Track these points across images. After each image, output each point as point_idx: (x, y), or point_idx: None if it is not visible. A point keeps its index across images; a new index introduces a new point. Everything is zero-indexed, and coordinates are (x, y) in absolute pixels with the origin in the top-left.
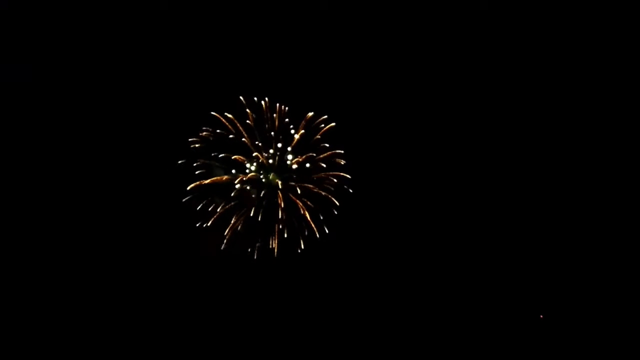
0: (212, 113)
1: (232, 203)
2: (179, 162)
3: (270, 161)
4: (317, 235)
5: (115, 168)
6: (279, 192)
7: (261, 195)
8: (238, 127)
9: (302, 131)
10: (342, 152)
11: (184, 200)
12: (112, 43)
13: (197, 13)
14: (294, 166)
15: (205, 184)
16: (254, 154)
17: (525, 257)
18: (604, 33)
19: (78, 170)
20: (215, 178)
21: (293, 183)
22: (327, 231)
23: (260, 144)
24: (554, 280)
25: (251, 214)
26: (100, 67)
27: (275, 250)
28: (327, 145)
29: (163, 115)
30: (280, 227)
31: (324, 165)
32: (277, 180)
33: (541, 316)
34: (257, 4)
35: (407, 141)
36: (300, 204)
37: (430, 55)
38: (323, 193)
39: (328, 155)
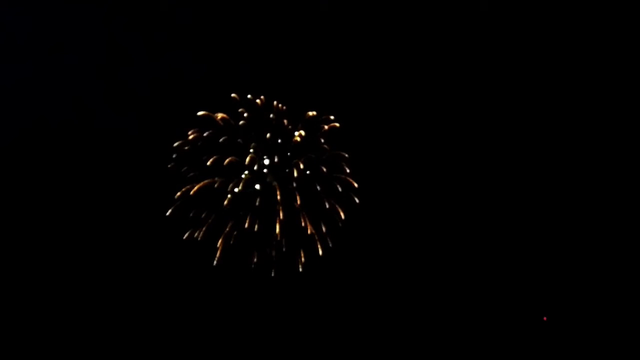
0: (200, 113)
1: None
2: (169, 165)
3: (265, 170)
4: (320, 252)
5: (95, 174)
6: (277, 199)
7: (257, 203)
8: (230, 128)
9: (302, 132)
10: (347, 155)
11: (167, 214)
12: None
13: (188, 5)
14: (294, 172)
15: (195, 190)
16: (249, 158)
17: (528, 260)
18: (604, 33)
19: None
20: (204, 182)
21: (291, 187)
22: (330, 244)
23: (254, 147)
24: (557, 282)
25: (246, 225)
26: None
27: (273, 270)
28: (328, 147)
29: (145, 116)
30: (279, 238)
31: (325, 169)
32: (274, 183)
33: (545, 318)
34: None
35: (418, 145)
36: (301, 214)
37: (433, 53)
38: (326, 204)
39: (331, 159)
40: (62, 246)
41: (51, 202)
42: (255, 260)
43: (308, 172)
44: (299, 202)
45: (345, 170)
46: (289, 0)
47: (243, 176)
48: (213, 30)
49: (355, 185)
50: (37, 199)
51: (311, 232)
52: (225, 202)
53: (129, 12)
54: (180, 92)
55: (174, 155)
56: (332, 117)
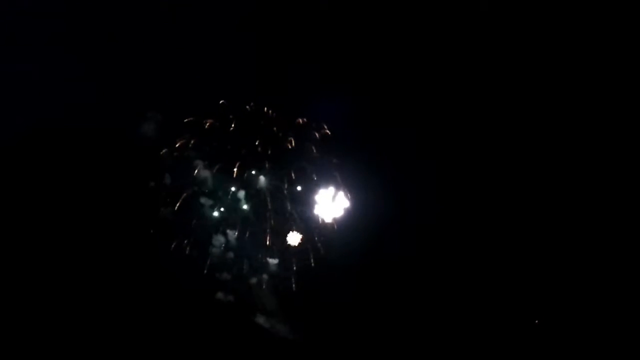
0: (187, 119)
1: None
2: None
3: (256, 181)
4: (312, 263)
5: (88, 178)
6: (268, 207)
7: (246, 211)
8: (219, 135)
9: (292, 139)
10: (338, 162)
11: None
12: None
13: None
14: (285, 180)
15: (182, 198)
16: (237, 166)
17: (521, 261)
18: (604, 33)
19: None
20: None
21: (282, 195)
22: (322, 251)
23: (244, 154)
24: (549, 284)
25: (236, 232)
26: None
27: (265, 280)
28: (320, 154)
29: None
30: (270, 247)
31: (316, 177)
32: (265, 192)
33: (536, 321)
34: None
35: (412, 151)
36: (292, 222)
37: (433, 57)
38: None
39: (323, 167)
40: (50, 252)
41: (40, 206)
42: (245, 268)
43: (299, 179)
44: (289, 209)
45: (337, 178)
46: (281, 6)
47: (232, 188)
48: (207, 33)
49: (347, 193)
50: (29, 201)
51: (303, 240)
52: (215, 210)
53: (127, 13)
54: (175, 96)
55: (161, 163)
56: (324, 125)
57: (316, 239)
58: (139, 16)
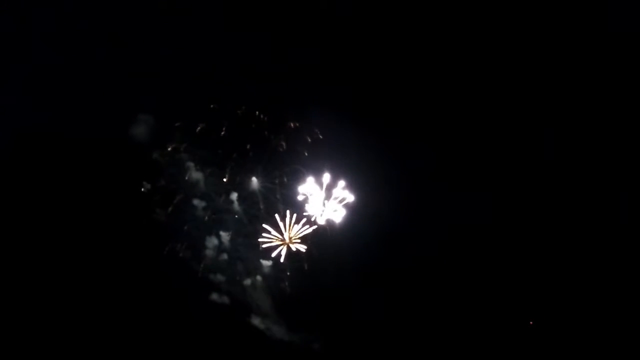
0: (178, 124)
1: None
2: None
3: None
4: (306, 265)
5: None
6: (260, 210)
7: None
8: (210, 139)
9: (284, 143)
10: (330, 165)
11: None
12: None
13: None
14: (277, 184)
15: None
16: (228, 169)
17: (515, 261)
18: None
19: None
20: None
21: (274, 199)
22: (315, 253)
23: (235, 159)
24: (543, 286)
25: (229, 236)
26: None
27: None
28: (311, 158)
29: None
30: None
31: (307, 180)
32: (258, 194)
33: (531, 322)
34: None
35: (409, 152)
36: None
37: (430, 59)
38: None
39: (314, 170)
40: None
41: (35, 209)
42: (239, 270)
43: (291, 182)
44: (281, 212)
45: (330, 181)
46: (273, 10)
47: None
48: (198, 38)
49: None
50: (24, 205)
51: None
52: (207, 216)
53: (120, 18)
54: (166, 100)
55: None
56: (315, 129)
57: (309, 241)
58: (132, 21)
